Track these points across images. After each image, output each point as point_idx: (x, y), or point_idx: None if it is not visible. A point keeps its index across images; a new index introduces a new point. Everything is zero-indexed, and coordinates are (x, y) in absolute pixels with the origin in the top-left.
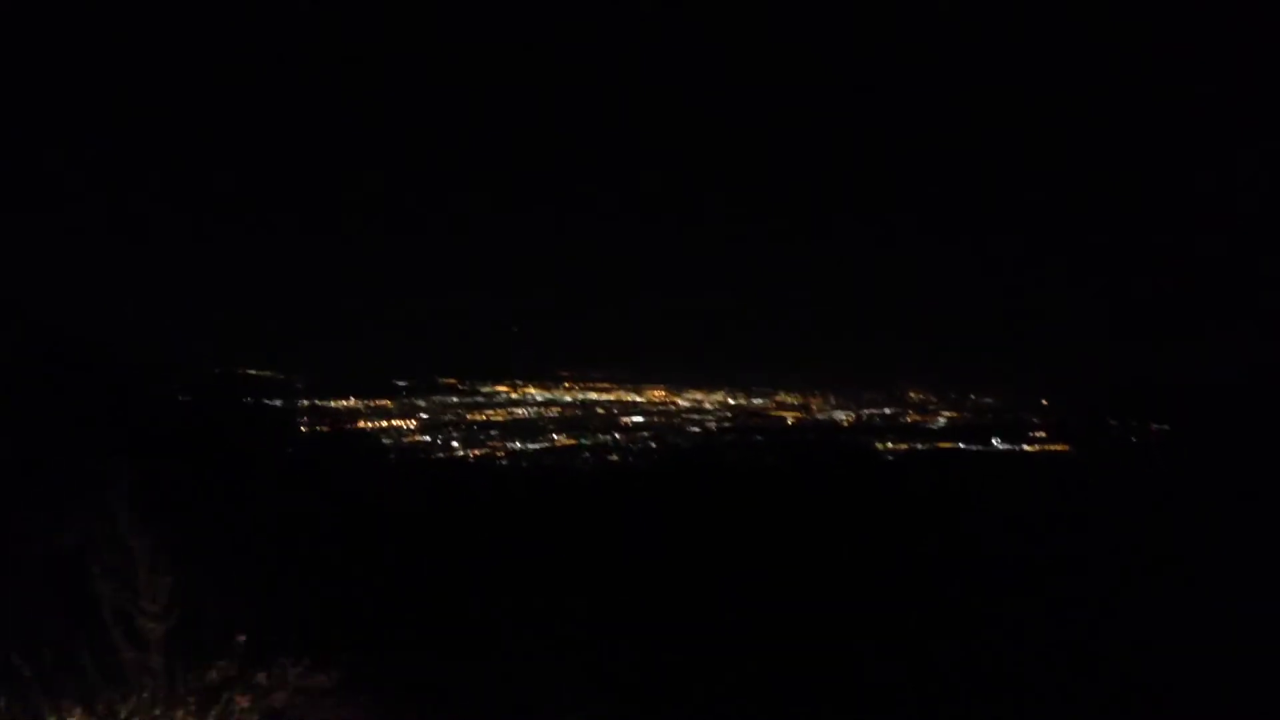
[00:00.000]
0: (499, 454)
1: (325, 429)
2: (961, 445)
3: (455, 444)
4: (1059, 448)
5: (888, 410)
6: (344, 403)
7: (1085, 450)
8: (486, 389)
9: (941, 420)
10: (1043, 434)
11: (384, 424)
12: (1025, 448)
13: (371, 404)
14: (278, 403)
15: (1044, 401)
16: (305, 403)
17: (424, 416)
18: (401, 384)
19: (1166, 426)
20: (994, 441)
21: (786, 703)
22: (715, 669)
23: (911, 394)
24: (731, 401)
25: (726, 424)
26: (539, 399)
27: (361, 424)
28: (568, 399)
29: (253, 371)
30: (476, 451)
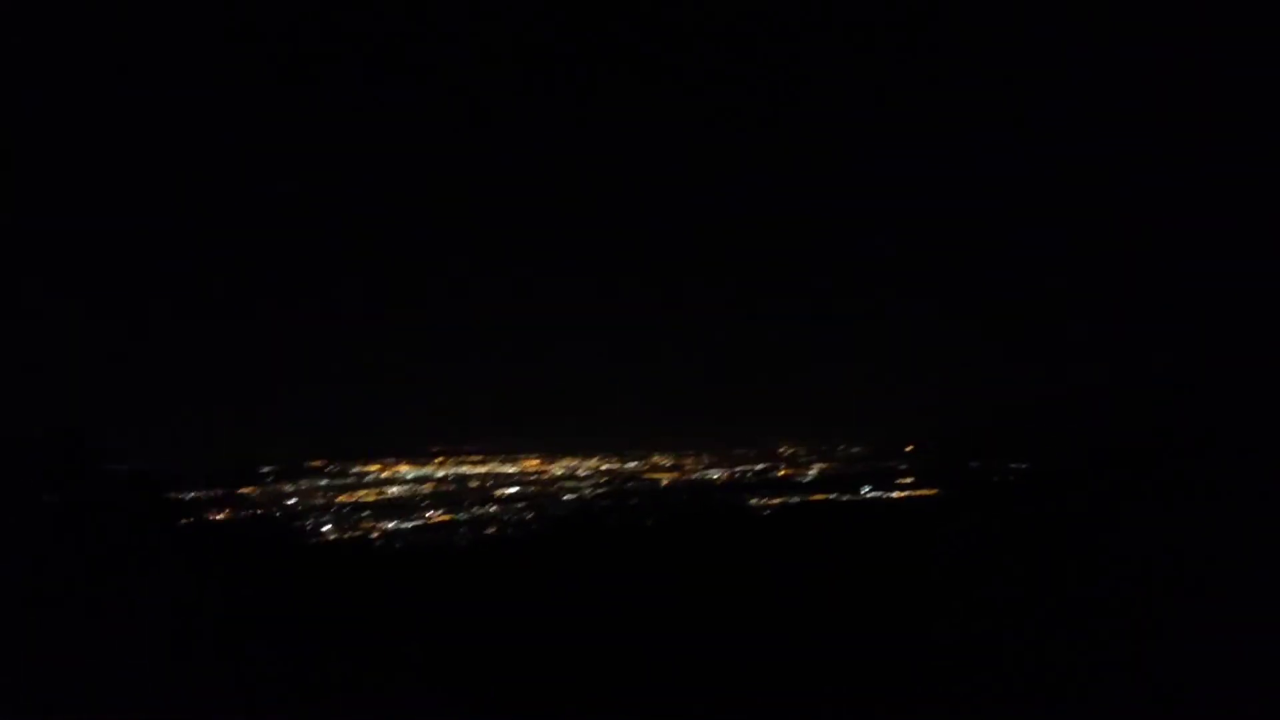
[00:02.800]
0: (373, 535)
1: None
2: (832, 496)
3: (326, 528)
4: (926, 492)
5: (760, 466)
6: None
7: (948, 493)
8: (356, 469)
9: (812, 472)
10: (909, 480)
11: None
12: (894, 494)
13: (233, 492)
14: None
15: (908, 448)
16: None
17: (291, 502)
18: (265, 469)
19: (1024, 465)
20: (863, 490)
21: None
22: None
23: (782, 449)
24: (606, 467)
25: (602, 490)
26: (411, 476)
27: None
28: (441, 474)
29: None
30: (349, 534)
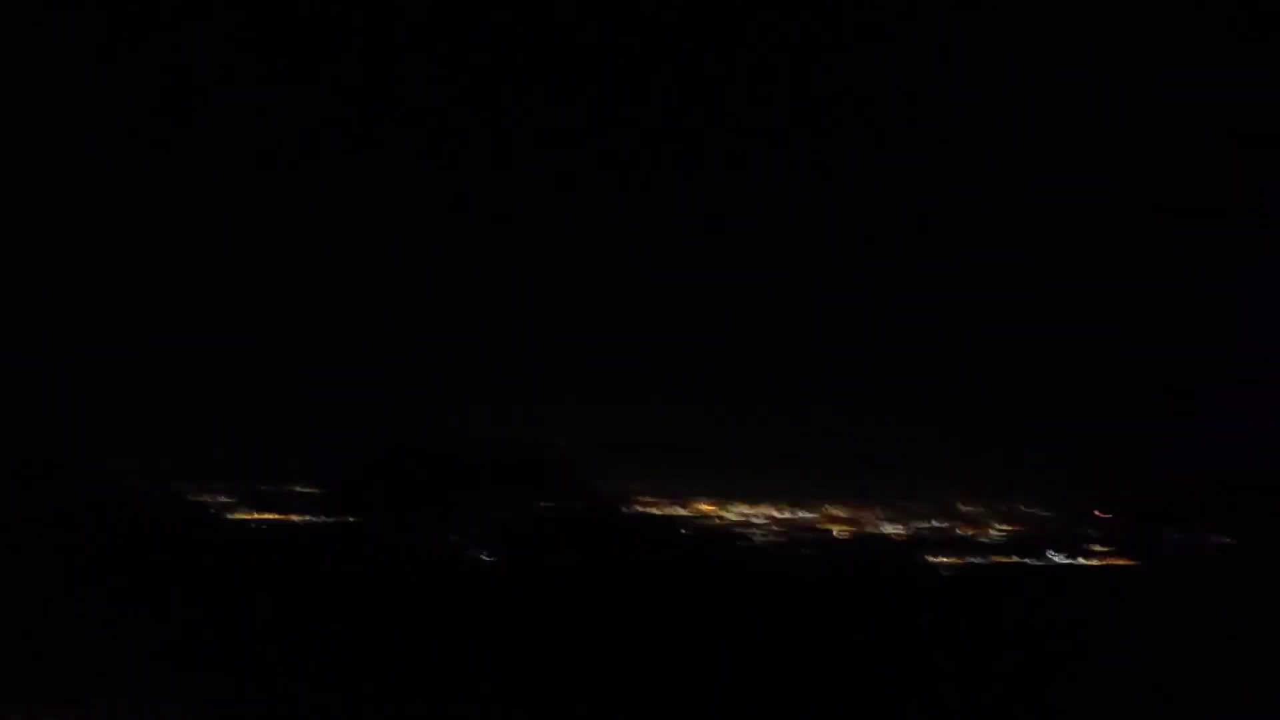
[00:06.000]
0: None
1: None
2: (1020, 560)
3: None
4: (1123, 562)
5: (938, 523)
6: None
7: (1152, 567)
8: None
9: (995, 533)
10: (1102, 547)
11: None
12: (1087, 562)
13: None
14: None
15: (1096, 512)
16: None
17: None
18: None
19: (1229, 539)
20: (1050, 555)
21: None
22: None
23: (961, 505)
24: (778, 515)
25: (776, 538)
26: None
27: None
28: None
29: None
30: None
